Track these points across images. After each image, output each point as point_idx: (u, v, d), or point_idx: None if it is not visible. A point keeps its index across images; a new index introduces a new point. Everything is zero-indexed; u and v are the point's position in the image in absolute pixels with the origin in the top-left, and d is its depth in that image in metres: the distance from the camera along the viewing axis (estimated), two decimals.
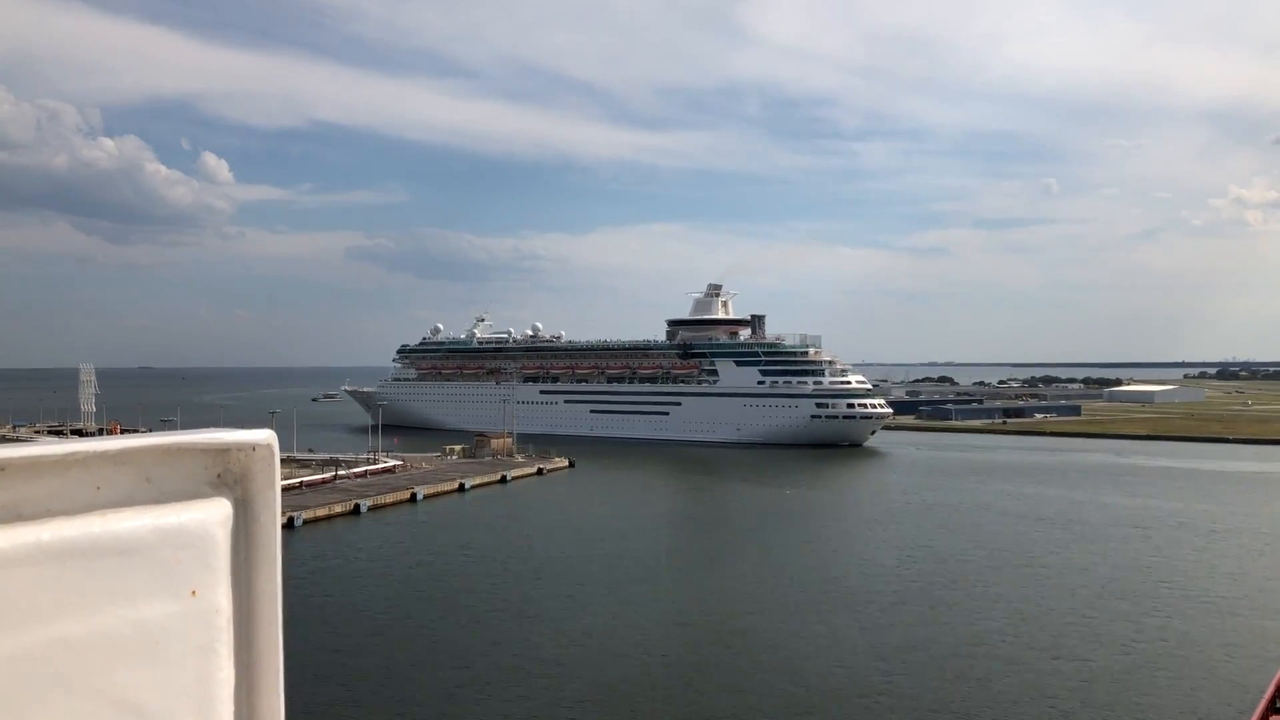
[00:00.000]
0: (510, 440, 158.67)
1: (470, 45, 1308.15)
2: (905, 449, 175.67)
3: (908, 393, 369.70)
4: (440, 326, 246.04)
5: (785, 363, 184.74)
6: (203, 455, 2.12)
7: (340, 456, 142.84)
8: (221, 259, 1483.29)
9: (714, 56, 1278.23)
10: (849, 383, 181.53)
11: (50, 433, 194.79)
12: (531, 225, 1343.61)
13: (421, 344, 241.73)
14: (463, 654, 53.16)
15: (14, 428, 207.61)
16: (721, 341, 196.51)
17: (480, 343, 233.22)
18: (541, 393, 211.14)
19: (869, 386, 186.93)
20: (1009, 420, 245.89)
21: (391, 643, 55.18)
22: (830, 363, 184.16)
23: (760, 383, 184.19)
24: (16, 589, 1.75)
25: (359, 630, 57.89)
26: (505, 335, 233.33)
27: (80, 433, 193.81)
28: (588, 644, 54.79)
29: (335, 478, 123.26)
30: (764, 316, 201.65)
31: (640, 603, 64.26)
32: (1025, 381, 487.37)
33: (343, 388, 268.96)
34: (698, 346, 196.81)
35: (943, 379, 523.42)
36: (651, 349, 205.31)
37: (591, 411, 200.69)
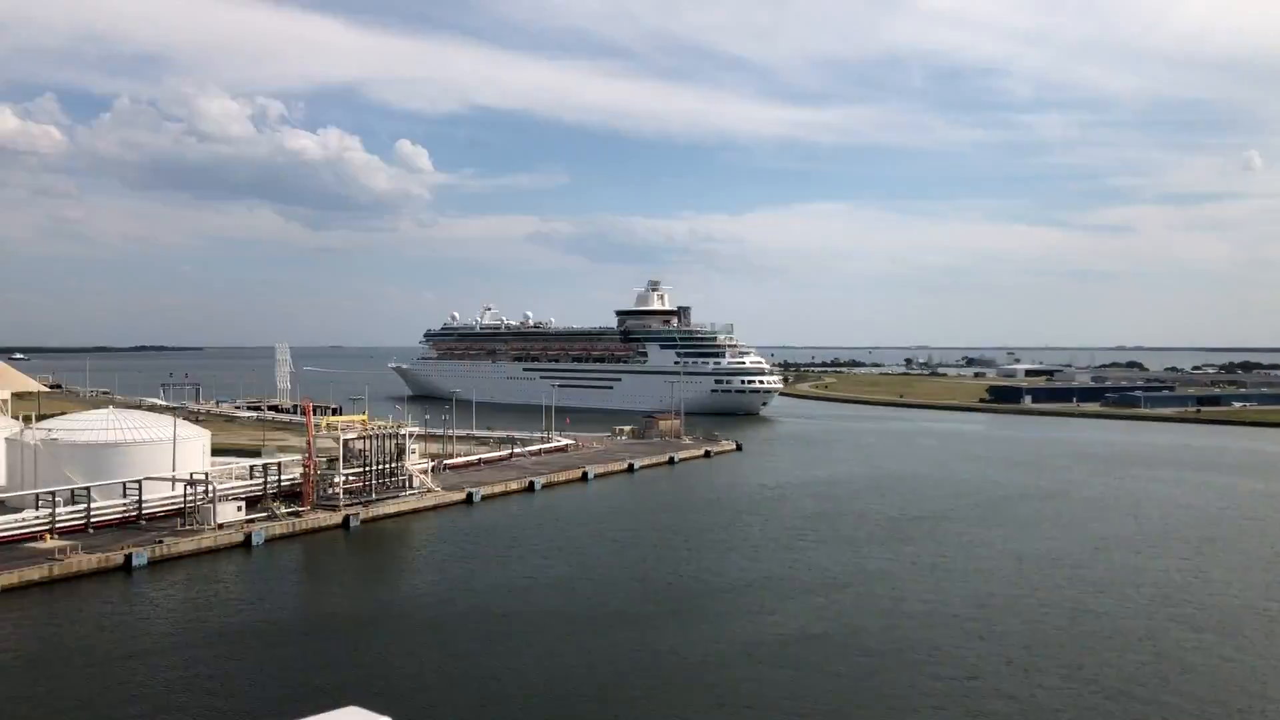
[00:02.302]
0: (678, 422, 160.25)
1: (619, 23, 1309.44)
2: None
3: (1093, 378, 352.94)
4: (456, 314, 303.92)
5: (696, 346, 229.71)
6: None
7: (516, 435, 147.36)
8: (409, 242, 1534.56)
9: (871, 26, 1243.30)
10: (744, 363, 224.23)
11: (249, 409, 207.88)
12: (690, 206, 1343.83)
13: (442, 329, 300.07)
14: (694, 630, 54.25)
15: (216, 403, 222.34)
16: (653, 328, 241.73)
17: (482, 328, 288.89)
18: (524, 370, 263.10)
19: (764, 366, 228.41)
20: (1203, 409, 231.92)
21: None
22: (731, 346, 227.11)
23: (676, 363, 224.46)
24: None
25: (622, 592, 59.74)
26: (499, 323, 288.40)
27: (276, 409, 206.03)
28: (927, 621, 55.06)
29: (511, 455, 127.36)
30: (690, 308, 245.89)
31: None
32: (1222, 367, 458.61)
33: (389, 365, 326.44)
34: (635, 332, 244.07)
35: (1131, 364, 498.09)
36: (603, 334, 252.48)
37: (557, 385, 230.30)
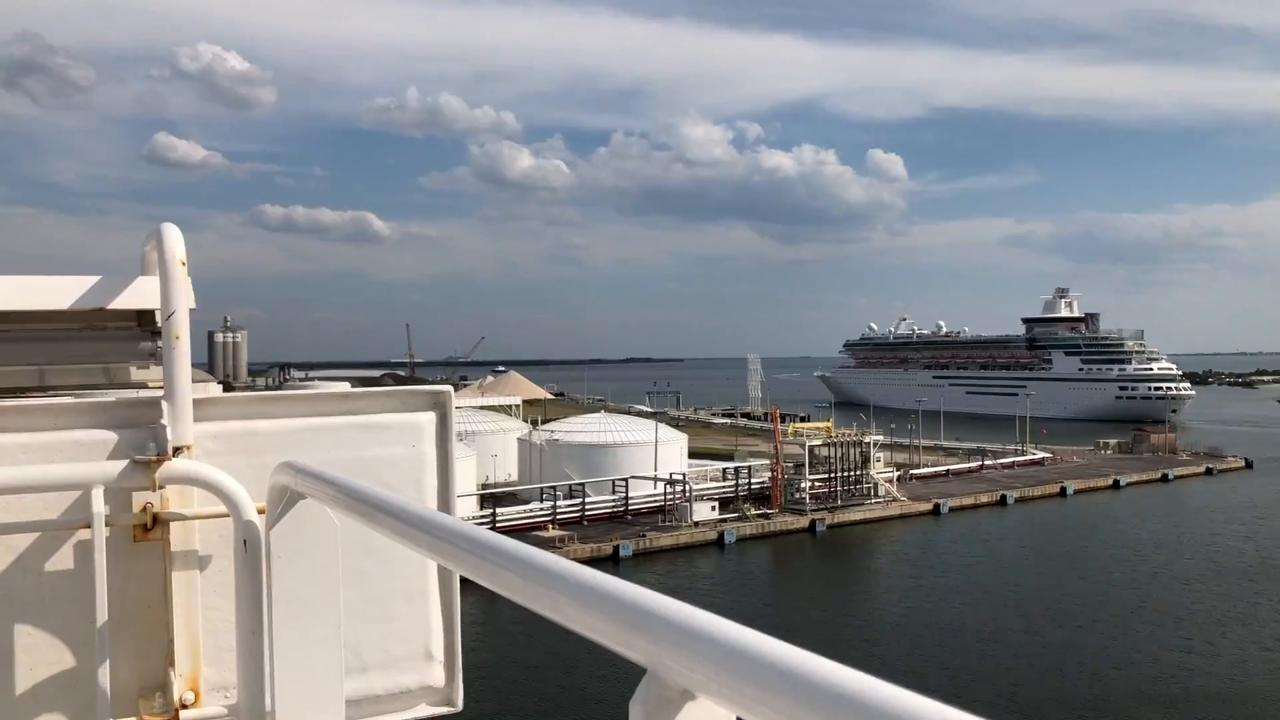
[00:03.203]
0: (1173, 435, 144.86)
1: (1093, 6, 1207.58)
2: None
3: None
4: (874, 325, 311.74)
5: (1100, 352, 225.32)
6: None
7: (986, 447, 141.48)
8: (879, 252, 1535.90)
9: None
10: (1151, 369, 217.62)
11: (723, 415, 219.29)
12: (1185, 197, 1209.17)
13: (860, 339, 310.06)
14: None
15: (694, 410, 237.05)
16: (1059, 335, 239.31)
17: (895, 338, 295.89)
18: (933, 378, 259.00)
19: (1174, 372, 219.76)
20: None
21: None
22: (1139, 353, 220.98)
23: (1080, 369, 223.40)
24: None
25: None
26: (911, 332, 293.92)
27: (748, 416, 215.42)
28: None
29: (981, 467, 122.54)
30: (1098, 314, 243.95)
31: None
32: None
33: (815, 373, 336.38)
34: (1040, 340, 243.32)
35: None
36: (1010, 342, 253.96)
37: (966, 393, 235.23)
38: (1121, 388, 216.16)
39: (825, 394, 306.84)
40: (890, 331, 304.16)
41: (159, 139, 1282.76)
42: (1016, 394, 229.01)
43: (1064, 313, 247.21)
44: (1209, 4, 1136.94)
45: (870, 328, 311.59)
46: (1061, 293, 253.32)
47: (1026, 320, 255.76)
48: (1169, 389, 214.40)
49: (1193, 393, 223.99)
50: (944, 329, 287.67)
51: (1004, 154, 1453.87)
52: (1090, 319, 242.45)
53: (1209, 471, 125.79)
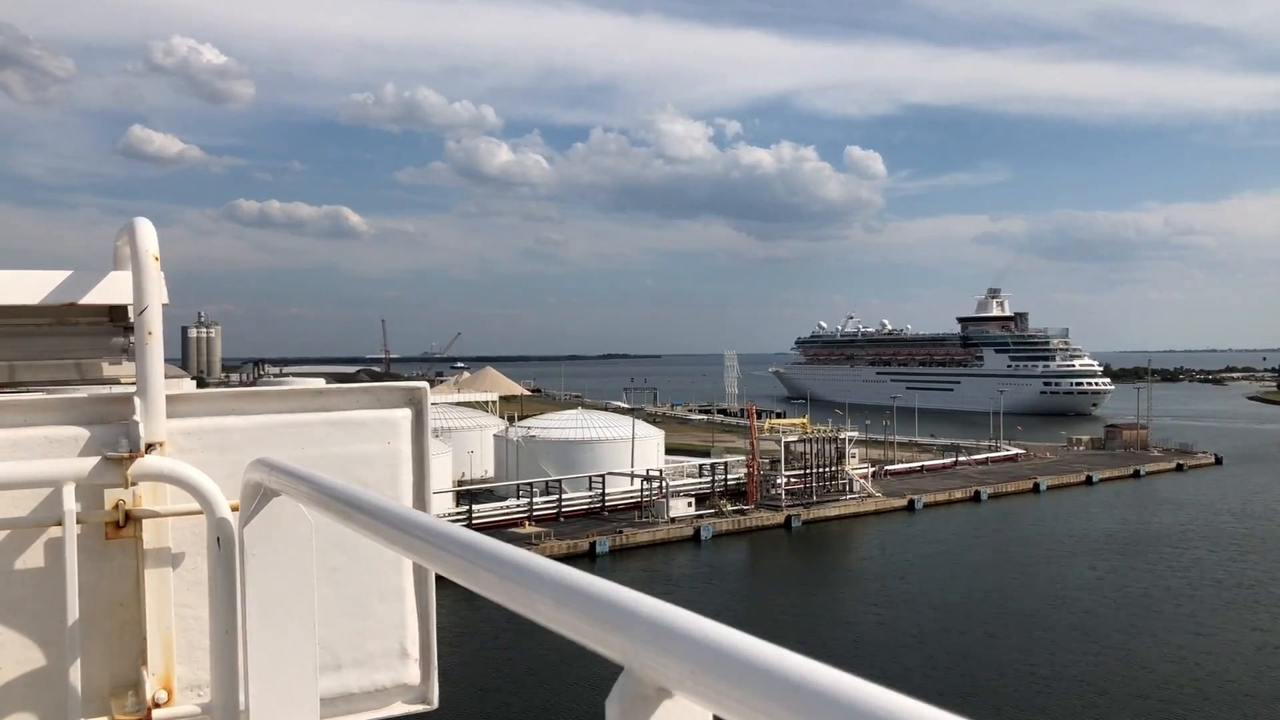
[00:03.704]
0: (1145, 432, 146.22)
1: (1060, 6, 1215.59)
2: None
3: None
4: (823, 324, 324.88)
5: (1027, 349, 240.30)
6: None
7: (960, 443, 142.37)
8: (855, 249, 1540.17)
9: None
10: (1073, 366, 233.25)
11: (700, 411, 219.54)
12: (1153, 195, 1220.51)
13: (810, 336, 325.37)
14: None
15: (671, 406, 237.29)
16: (989, 333, 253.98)
17: (842, 335, 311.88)
18: (876, 374, 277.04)
19: (1095, 368, 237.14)
20: None
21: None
22: (1063, 350, 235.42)
23: (1009, 366, 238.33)
24: None
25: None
26: (856, 331, 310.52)
27: (724, 412, 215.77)
28: None
29: (955, 463, 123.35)
30: (1026, 314, 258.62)
31: None
32: None
33: (769, 369, 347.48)
34: (973, 338, 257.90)
35: None
36: (945, 340, 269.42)
37: (906, 388, 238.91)
38: (1046, 383, 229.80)
39: (780, 389, 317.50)
40: (838, 329, 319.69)
41: (134, 132, 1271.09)
42: (952, 389, 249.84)
43: (995, 312, 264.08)
44: (1175, 3, 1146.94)
45: (820, 326, 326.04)
46: (994, 293, 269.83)
47: (961, 319, 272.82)
48: (1090, 384, 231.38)
49: (1112, 388, 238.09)
50: (888, 327, 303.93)
51: (975, 151, 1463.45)
52: (1019, 318, 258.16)
53: (1180, 468, 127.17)
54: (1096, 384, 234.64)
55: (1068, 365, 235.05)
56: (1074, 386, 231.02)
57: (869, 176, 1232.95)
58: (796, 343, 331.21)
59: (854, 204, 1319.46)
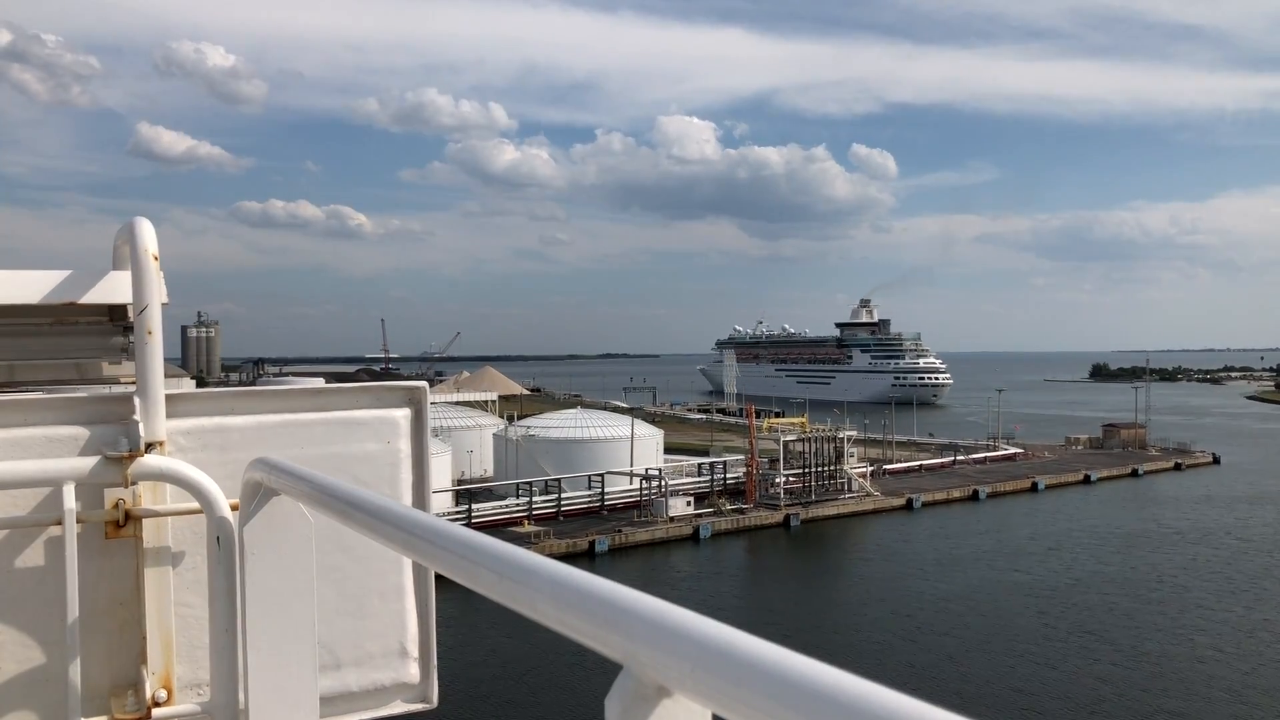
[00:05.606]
0: (1143, 431, 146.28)
1: (1035, 2, 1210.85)
2: None
3: None
4: (739, 327, 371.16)
5: (885, 350, 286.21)
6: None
7: (959, 442, 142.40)
8: (858, 247, 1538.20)
9: None
10: (918, 364, 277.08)
11: (699, 411, 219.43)
12: (1142, 194, 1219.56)
13: (728, 338, 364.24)
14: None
15: (671, 405, 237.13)
16: (858, 336, 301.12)
17: (751, 337, 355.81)
18: (775, 370, 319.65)
19: (938, 366, 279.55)
20: None
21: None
22: (914, 350, 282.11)
23: (870, 364, 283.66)
24: None
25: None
26: (761, 334, 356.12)
27: (724, 411, 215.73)
28: None
29: (954, 462, 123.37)
30: (889, 320, 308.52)
31: None
32: None
33: (697, 368, 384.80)
34: (846, 340, 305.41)
35: None
36: (825, 342, 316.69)
37: (797, 383, 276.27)
38: (896, 378, 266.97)
39: (705, 384, 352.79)
40: (748, 332, 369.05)
41: (142, 131, 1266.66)
42: (828, 383, 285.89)
43: (865, 319, 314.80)
44: (1151, 1, 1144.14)
45: (736, 329, 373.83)
46: (864, 303, 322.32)
47: (839, 324, 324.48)
48: (932, 379, 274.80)
49: (951, 381, 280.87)
50: (788, 330, 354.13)
51: (960, 150, 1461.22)
52: (883, 324, 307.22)
53: (1178, 467, 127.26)
54: (938, 379, 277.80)
55: (914, 363, 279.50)
56: (918, 380, 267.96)
57: (878, 176, 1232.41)
58: (716, 344, 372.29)
59: (852, 203, 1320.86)
